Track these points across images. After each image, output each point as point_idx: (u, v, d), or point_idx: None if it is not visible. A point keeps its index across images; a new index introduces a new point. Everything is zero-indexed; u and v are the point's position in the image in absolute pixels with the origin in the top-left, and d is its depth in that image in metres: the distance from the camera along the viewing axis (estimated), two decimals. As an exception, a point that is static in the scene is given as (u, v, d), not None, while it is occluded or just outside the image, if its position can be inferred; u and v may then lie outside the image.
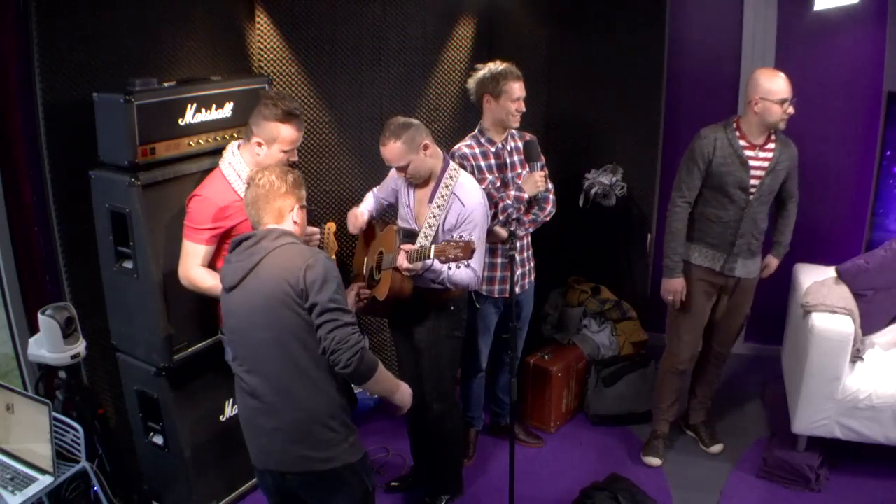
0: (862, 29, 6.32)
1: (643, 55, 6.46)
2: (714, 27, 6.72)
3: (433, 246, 4.32)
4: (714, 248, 5.35)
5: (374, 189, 5.15)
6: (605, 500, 4.97)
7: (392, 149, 4.51)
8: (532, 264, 5.50)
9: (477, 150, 5.14)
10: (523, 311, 5.56)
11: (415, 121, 4.62)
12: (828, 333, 5.18)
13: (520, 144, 5.22)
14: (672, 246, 5.33)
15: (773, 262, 5.63)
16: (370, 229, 5.04)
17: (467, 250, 4.18)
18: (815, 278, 5.79)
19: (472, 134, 5.24)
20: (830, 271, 5.83)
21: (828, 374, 5.21)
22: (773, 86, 5.03)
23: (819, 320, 5.24)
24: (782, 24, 6.47)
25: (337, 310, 3.43)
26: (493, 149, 5.16)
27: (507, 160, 5.19)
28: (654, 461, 5.79)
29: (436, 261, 4.35)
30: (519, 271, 5.26)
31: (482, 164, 5.11)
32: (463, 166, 4.96)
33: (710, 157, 5.17)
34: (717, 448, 5.81)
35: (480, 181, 4.96)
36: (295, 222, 3.71)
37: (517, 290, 5.21)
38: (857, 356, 5.37)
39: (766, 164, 5.16)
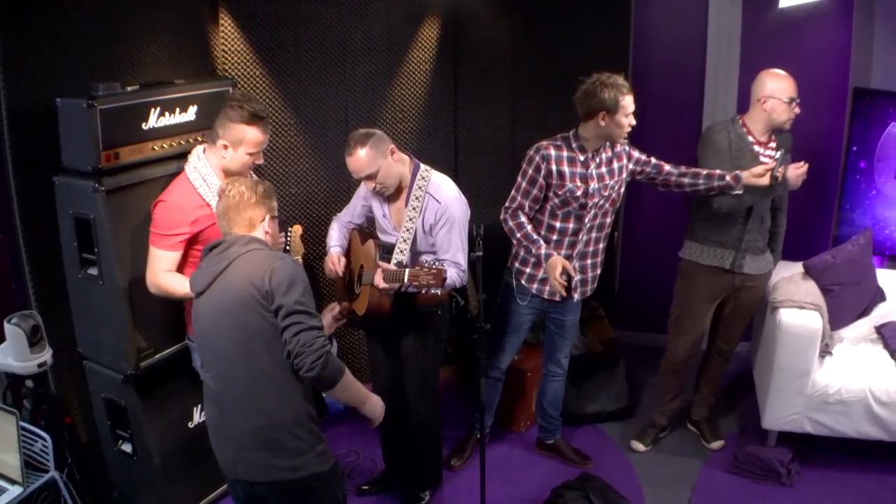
0: (827, 25, 6.36)
1: (608, 53, 6.45)
2: (679, 25, 6.74)
3: (408, 270, 4.29)
4: (722, 245, 5.35)
5: (339, 217, 5.10)
6: (577, 500, 4.98)
7: (358, 158, 4.48)
8: (598, 272, 5.31)
9: (564, 154, 4.92)
10: (568, 318, 5.42)
11: (377, 130, 4.61)
12: (796, 329, 5.21)
13: (611, 153, 5.03)
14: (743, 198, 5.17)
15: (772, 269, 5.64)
16: (352, 239, 5.02)
17: (439, 278, 4.20)
18: (782, 274, 5.81)
19: (563, 135, 5.02)
20: (798, 267, 5.86)
21: (797, 370, 5.24)
22: (781, 85, 5.09)
23: (787, 316, 5.27)
24: (747, 21, 6.49)
25: (302, 312, 3.40)
26: (581, 157, 4.94)
27: (594, 172, 4.95)
28: (638, 446, 5.90)
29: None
30: (578, 277, 5.13)
31: (565, 169, 4.90)
32: (539, 167, 4.90)
33: (729, 148, 5.19)
34: (717, 444, 5.84)
35: (559, 186, 4.89)
36: (266, 232, 3.70)
37: (577, 295, 5.20)
38: (825, 351, 5.40)
39: (771, 160, 5.16)
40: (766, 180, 4.96)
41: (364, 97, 5.96)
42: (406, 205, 4.67)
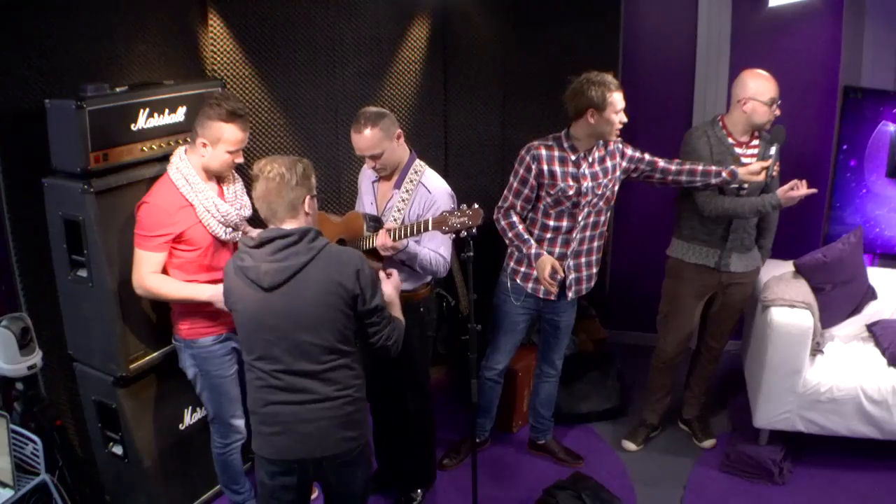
0: (817, 24, 6.36)
1: (598, 52, 6.45)
2: (669, 24, 6.74)
3: (431, 218, 4.32)
4: (707, 244, 5.37)
5: None
6: (569, 499, 4.98)
7: (368, 137, 4.48)
8: (594, 271, 5.28)
9: (555, 154, 4.93)
10: (563, 319, 5.42)
11: (387, 111, 4.61)
12: (787, 328, 5.21)
13: (604, 152, 5.03)
14: (746, 203, 5.17)
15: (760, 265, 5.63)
16: (322, 222, 4.95)
17: (476, 216, 4.20)
18: (773, 273, 5.81)
19: (555, 135, 5.02)
20: (788, 266, 5.86)
21: (788, 368, 5.24)
22: (762, 86, 5.07)
23: (778, 315, 5.26)
24: (737, 20, 6.49)
25: (384, 308, 3.82)
26: (573, 157, 4.94)
27: (586, 171, 4.94)
28: (630, 446, 5.91)
29: (411, 242, 4.43)
30: (573, 275, 5.14)
31: (556, 169, 4.91)
32: (529, 167, 4.92)
33: (710, 153, 5.20)
34: (709, 443, 5.85)
35: (550, 186, 4.90)
36: (307, 213, 3.73)
37: (570, 294, 5.19)
38: (817, 349, 5.40)
39: (754, 160, 5.17)
40: (762, 177, 4.99)
41: (354, 97, 5.93)
42: (398, 188, 4.69)
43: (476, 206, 4.25)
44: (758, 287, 5.77)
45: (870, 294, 6.01)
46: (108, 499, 5.01)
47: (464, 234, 4.28)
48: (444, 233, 4.30)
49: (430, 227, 4.30)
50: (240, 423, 4.69)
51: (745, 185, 5.10)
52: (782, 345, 5.22)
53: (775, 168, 5.05)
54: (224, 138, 4.23)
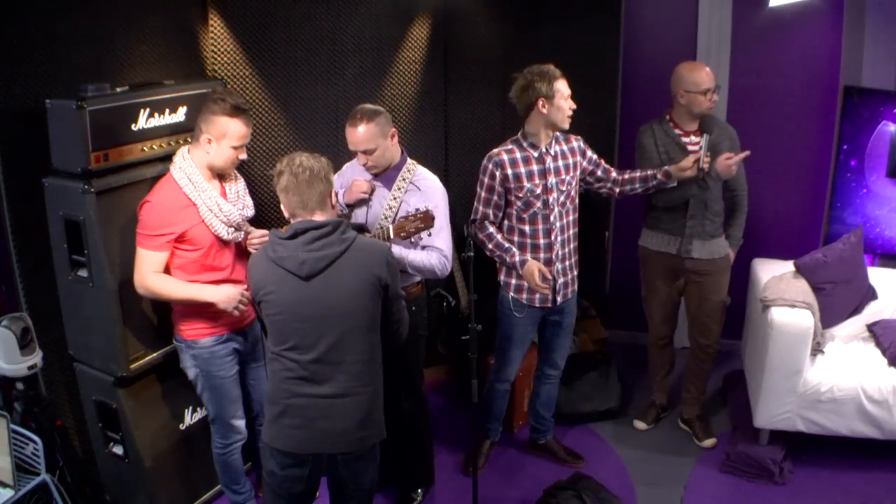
0: (817, 24, 6.36)
1: (598, 52, 6.45)
2: (669, 24, 6.74)
3: (391, 226, 4.36)
4: (668, 232, 5.53)
5: None
6: (569, 499, 4.97)
7: (363, 132, 4.51)
8: (576, 272, 5.30)
9: (518, 156, 4.96)
10: (565, 318, 5.42)
11: (383, 109, 4.64)
12: (787, 327, 5.20)
13: (565, 147, 5.09)
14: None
15: (730, 253, 5.68)
16: None
17: (427, 219, 4.26)
18: (773, 273, 5.81)
19: (513, 138, 5.08)
20: (789, 266, 5.86)
21: (788, 368, 5.24)
22: (695, 78, 5.22)
23: (778, 314, 5.26)
24: (737, 20, 6.49)
25: (403, 296, 4.03)
26: (535, 153, 4.98)
27: (551, 165, 4.99)
28: (640, 425, 6.11)
29: (396, 248, 4.38)
30: (561, 280, 5.15)
31: (521, 170, 4.94)
32: (493, 174, 4.95)
33: (655, 147, 5.38)
34: (709, 443, 5.86)
35: (518, 189, 4.93)
36: (332, 206, 3.88)
37: (559, 298, 5.19)
38: (817, 349, 5.41)
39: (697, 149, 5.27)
40: (693, 171, 5.09)
41: (354, 97, 5.89)
42: (389, 189, 4.70)
43: (427, 207, 4.36)
44: (758, 286, 5.77)
45: (870, 294, 6.01)
46: (108, 499, 5.01)
47: (421, 237, 4.46)
48: (403, 238, 4.37)
49: (391, 235, 4.35)
50: (240, 423, 4.69)
51: (705, 175, 5.16)
52: (783, 345, 5.22)
53: (706, 159, 5.10)
54: (229, 133, 4.24)
